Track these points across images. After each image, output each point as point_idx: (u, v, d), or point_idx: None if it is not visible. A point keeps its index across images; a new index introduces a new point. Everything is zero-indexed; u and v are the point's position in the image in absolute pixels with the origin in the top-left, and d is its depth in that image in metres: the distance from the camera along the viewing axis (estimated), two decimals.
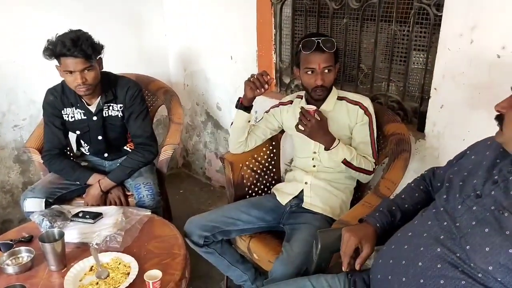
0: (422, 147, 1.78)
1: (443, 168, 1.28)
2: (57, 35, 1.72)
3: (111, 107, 1.96)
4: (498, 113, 0.94)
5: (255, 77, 1.66)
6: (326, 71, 1.62)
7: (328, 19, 2.10)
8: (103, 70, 1.91)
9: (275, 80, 2.48)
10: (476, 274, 0.92)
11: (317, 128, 1.58)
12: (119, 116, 1.98)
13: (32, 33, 2.30)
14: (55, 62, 1.76)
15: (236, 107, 1.78)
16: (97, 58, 1.81)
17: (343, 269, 1.22)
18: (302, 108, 1.61)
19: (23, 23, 2.35)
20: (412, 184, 1.37)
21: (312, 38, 1.60)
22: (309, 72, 1.63)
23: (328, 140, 1.61)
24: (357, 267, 1.20)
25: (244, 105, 1.75)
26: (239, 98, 1.77)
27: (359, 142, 1.69)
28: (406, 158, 1.63)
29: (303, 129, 1.59)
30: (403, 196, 1.33)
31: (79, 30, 1.76)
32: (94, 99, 1.92)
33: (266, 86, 1.66)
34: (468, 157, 1.15)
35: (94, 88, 1.84)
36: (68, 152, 2.17)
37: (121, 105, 1.96)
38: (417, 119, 1.85)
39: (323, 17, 2.13)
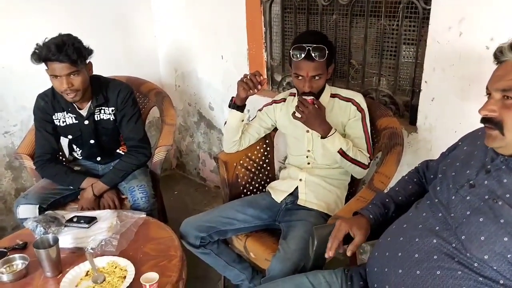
0: (414, 140, 1.79)
1: (437, 160, 1.29)
2: (45, 39, 1.71)
3: (102, 111, 1.94)
4: (485, 118, 0.93)
5: (248, 77, 1.66)
6: (315, 78, 1.62)
7: (317, 16, 2.10)
8: (95, 73, 1.90)
9: (267, 78, 2.48)
10: (472, 264, 0.93)
11: (315, 116, 1.57)
12: (111, 119, 1.96)
13: (21, 39, 2.28)
14: (44, 66, 1.75)
15: (229, 106, 1.77)
16: (86, 63, 1.80)
17: (326, 254, 1.22)
18: (300, 97, 1.61)
19: (12, 29, 2.32)
20: (406, 177, 1.38)
21: (303, 44, 1.57)
22: (299, 77, 1.64)
23: (325, 128, 1.60)
24: (348, 253, 1.20)
25: (237, 104, 1.75)
26: (232, 97, 1.76)
27: (353, 138, 1.69)
28: (399, 151, 1.63)
29: (300, 116, 1.59)
30: (397, 188, 1.34)
31: (67, 35, 1.75)
32: (85, 103, 1.91)
33: (259, 86, 1.65)
34: (460, 148, 1.16)
35: (83, 93, 1.82)
36: (61, 157, 2.16)
37: (113, 108, 1.94)
38: (408, 113, 1.86)
39: (313, 14, 2.13)
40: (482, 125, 0.97)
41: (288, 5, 2.24)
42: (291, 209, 1.74)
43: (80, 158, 2.14)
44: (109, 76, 2.04)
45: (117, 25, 2.78)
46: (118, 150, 2.13)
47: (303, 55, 1.57)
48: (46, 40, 1.71)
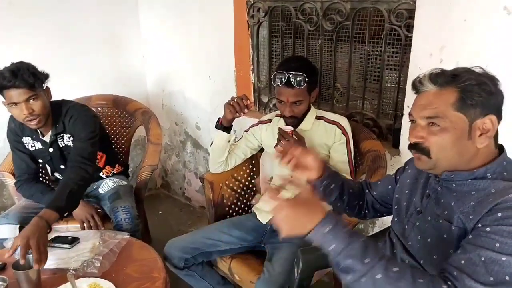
0: (397, 163, 1.82)
1: (382, 180, 1.32)
2: None
3: (64, 137, 1.90)
4: (413, 143, 0.99)
5: (235, 100, 1.68)
6: (296, 104, 1.65)
7: (303, 40, 2.15)
8: (61, 99, 1.88)
9: (254, 100, 2.51)
10: (449, 277, 0.94)
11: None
12: (71, 146, 1.91)
13: (9, 56, 2.26)
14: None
15: (216, 127, 1.79)
16: (44, 87, 1.76)
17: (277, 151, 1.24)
18: (280, 129, 1.64)
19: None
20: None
21: (284, 72, 1.61)
22: (281, 102, 1.67)
23: None
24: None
25: (224, 126, 1.76)
26: (219, 118, 1.78)
27: (337, 161, 1.72)
28: (383, 174, 1.66)
29: (282, 149, 1.61)
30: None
31: (20, 62, 1.70)
32: (48, 129, 1.87)
33: (246, 110, 1.68)
34: (406, 172, 1.21)
35: (46, 118, 1.78)
36: (44, 176, 2.12)
37: (69, 135, 1.90)
38: (392, 136, 1.90)
39: (299, 38, 2.18)
40: None
41: (275, 29, 2.29)
42: (277, 231, 1.73)
43: (61, 178, 2.11)
44: (95, 95, 2.01)
45: (105, 44, 2.79)
46: (101, 174, 2.10)
47: (283, 81, 1.61)
48: None
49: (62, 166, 1.96)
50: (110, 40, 2.82)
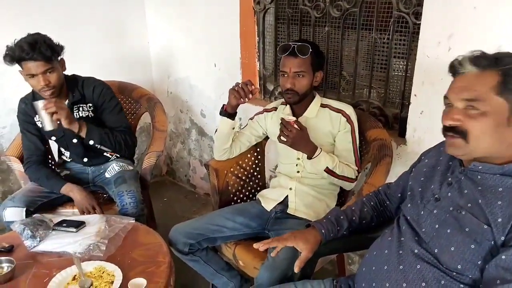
0: (403, 152, 1.81)
1: (401, 178, 1.32)
2: (15, 40, 1.72)
3: (81, 108, 1.94)
4: (449, 126, 0.95)
5: (240, 86, 1.67)
6: (298, 76, 1.65)
7: (310, 27, 2.13)
8: (72, 73, 1.91)
9: (259, 88, 2.50)
10: (452, 273, 0.96)
11: (299, 138, 1.61)
12: (90, 116, 1.96)
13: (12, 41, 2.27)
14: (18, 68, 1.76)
15: (220, 114, 1.78)
16: (59, 60, 1.82)
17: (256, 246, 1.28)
18: (282, 119, 1.63)
19: (3, 31, 2.31)
20: (364, 199, 1.40)
21: (289, 43, 1.64)
22: (284, 75, 1.67)
23: (310, 149, 1.64)
24: (295, 269, 1.21)
25: (228, 112, 1.76)
26: (223, 105, 1.78)
27: (341, 150, 1.72)
28: (388, 163, 1.66)
29: (285, 140, 1.61)
30: (353, 208, 1.36)
31: (37, 33, 1.76)
32: (62, 101, 1.89)
33: (250, 95, 1.67)
34: (423, 162, 1.20)
35: (60, 90, 1.84)
36: (50, 161, 2.14)
37: (90, 105, 1.95)
38: (398, 125, 1.89)
39: (305, 25, 2.16)
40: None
41: (281, 16, 2.27)
42: (281, 218, 1.74)
43: (69, 161, 2.13)
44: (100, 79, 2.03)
45: (111, 30, 2.78)
46: (105, 154, 2.12)
47: (287, 52, 1.63)
48: (16, 41, 1.72)
49: (75, 140, 1.99)
50: (116, 27, 2.81)
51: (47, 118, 1.70)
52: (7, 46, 1.72)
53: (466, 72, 0.94)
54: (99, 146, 1.89)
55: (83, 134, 1.82)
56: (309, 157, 1.64)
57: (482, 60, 0.92)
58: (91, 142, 1.86)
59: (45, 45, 1.71)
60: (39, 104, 1.68)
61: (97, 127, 1.89)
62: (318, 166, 1.65)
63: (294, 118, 1.64)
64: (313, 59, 1.65)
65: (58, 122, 1.73)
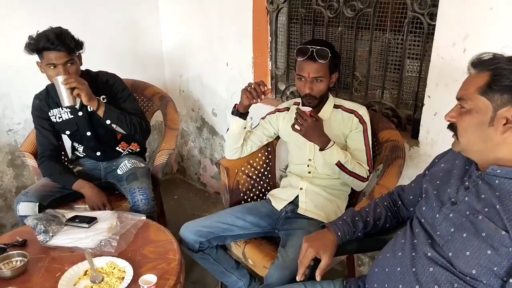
0: (416, 154, 1.80)
1: (415, 181, 1.31)
2: (38, 32, 1.76)
3: None
4: (450, 123, 1.02)
5: (252, 86, 1.67)
6: (316, 80, 1.64)
7: (323, 27, 2.12)
8: (84, 68, 1.94)
9: (271, 88, 2.50)
10: (465, 277, 0.94)
11: (313, 128, 1.58)
12: None
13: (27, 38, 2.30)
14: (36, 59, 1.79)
15: (232, 113, 1.78)
16: (77, 54, 1.86)
17: (297, 278, 1.24)
18: (298, 108, 1.62)
19: (18, 28, 2.34)
20: (377, 199, 1.39)
21: (308, 46, 1.61)
22: (301, 79, 1.66)
23: (323, 140, 1.61)
24: (317, 278, 1.21)
25: (240, 112, 1.76)
26: (235, 104, 1.78)
27: (353, 149, 1.70)
28: (400, 164, 1.64)
29: (299, 128, 1.60)
30: (367, 209, 1.35)
31: (59, 27, 1.81)
32: None
33: (263, 96, 1.67)
34: (438, 166, 1.19)
35: None
36: (64, 157, 2.17)
37: (104, 96, 1.97)
38: (411, 126, 1.88)
39: (319, 25, 2.16)
40: None
41: (294, 16, 2.27)
42: (291, 218, 1.74)
43: (82, 156, 2.15)
44: None
45: (125, 29, 2.81)
46: (117, 148, 2.14)
47: (306, 56, 1.60)
48: (39, 31, 1.76)
49: (88, 133, 2.02)
50: (129, 25, 2.83)
51: (66, 93, 1.72)
52: (29, 36, 1.75)
53: (470, 73, 0.99)
54: (115, 126, 1.90)
55: (100, 112, 1.84)
56: (321, 149, 1.63)
57: (480, 62, 0.96)
58: (108, 122, 1.87)
59: (70, 37, 1.77)
60: (59, 79, 1.70)
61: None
62: (330, 159, 1.63)
63: (310, 108, 1.61)
64: (331, 62, 1.62)
65: (77, 99, 1.75)
